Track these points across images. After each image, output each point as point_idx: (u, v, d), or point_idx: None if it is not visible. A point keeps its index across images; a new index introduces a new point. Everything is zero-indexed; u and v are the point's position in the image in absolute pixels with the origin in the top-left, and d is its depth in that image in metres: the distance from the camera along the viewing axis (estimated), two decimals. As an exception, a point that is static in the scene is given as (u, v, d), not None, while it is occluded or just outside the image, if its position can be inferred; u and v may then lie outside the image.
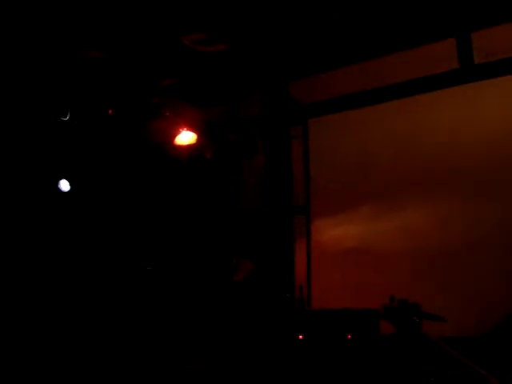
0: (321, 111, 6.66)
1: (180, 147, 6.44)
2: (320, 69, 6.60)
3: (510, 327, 3.87)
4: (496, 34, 5.70)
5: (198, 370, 5.68)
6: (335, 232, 6.37)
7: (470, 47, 5.90)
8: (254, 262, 6.59)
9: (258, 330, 5.95)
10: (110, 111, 6.40)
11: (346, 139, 6.47)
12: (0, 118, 5.94)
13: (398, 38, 6.03)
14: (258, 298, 6.40)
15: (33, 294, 6.11)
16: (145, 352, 6.00)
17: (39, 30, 5.74)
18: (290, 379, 5.40)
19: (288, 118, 6.85)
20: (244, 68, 6.58)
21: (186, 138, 6.44)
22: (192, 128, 6.41)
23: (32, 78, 6.01)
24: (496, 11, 5.67)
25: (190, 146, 6.44)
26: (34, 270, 6.20)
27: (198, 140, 6.43)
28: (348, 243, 6.29)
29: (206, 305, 6.39)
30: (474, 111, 5.75)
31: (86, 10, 5.61)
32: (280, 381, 5.42)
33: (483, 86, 5.80)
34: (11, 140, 6.15)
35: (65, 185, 6.52)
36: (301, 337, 5.73)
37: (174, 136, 6.42)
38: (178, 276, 6.58)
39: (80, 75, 6.28)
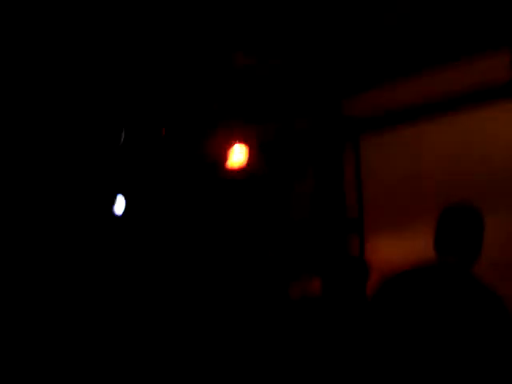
0: (373, 126, 6.63)
1: (233, 165, 6.47)
2: (370, 85, 6.58)
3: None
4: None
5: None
6: (390, 250, 6.27)
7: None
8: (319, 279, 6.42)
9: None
10: (163, 131, 6.47)
11: (400, 155, 6.40)
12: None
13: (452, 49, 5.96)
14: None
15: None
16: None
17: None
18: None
19: (339, 132, 6.84)
20: (296, 84, 6.59)
21: (239, 155, 6.46)
22: (245, 145, 6.44)
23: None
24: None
25: (243, 164, 6.46)
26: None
27: (250, 157, 6.45)
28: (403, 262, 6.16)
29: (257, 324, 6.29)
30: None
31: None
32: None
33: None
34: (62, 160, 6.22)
35: (120, 206, 6.55)
36: None
37: (228, 154, 6.45)
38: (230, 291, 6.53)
39: (134, 97, 6.37)
